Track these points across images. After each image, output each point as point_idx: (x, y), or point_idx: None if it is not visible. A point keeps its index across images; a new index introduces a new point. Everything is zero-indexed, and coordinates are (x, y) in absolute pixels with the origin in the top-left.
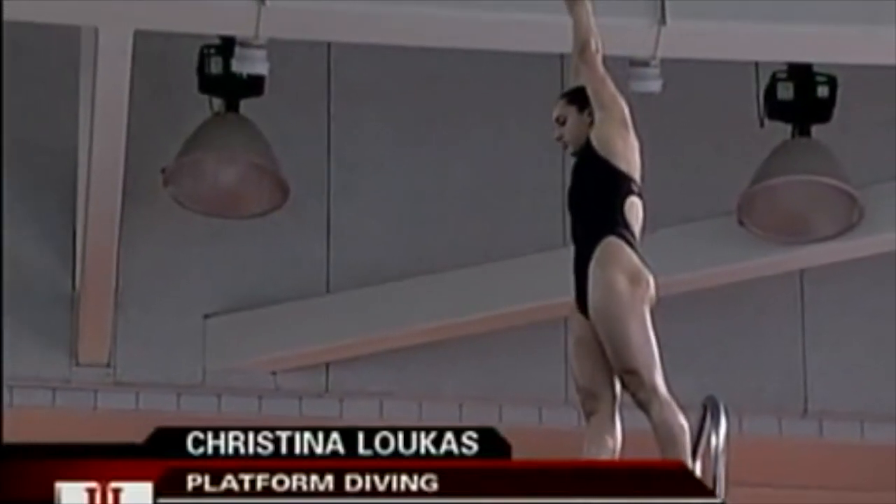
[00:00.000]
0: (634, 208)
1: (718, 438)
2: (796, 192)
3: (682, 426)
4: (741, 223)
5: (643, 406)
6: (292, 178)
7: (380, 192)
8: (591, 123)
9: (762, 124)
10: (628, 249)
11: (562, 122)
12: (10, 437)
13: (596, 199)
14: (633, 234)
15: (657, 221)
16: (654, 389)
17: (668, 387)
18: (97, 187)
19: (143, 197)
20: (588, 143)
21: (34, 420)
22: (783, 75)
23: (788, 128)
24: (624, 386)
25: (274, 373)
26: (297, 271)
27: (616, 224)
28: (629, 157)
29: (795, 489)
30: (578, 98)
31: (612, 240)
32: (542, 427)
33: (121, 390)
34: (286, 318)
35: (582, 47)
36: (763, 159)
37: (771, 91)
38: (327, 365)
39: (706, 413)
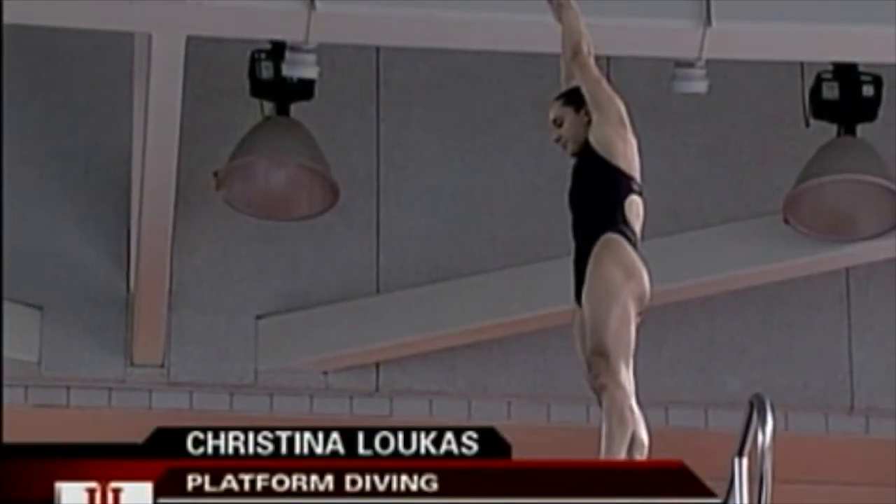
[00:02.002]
0: (635, 206)
1: (765, 436)
2: (842, 191)
3: (633, 413)
4: (787, 222)
5: (600, 390)
6: (342, 181)
7: (429, 193)
8: (589, 123)
9: (808, 124)
10: (627, 245)
11: (559, 123)
12: (70, 436)
13: (596, 198)
14: (633, 232)
15: (704, 220)
16: (615, 374)
17: (639, 401)
18: (151, 191)
19: (196, 200)
20: (587, 144)
21: (91, 419)
22: (828, 75)
23: (834, 127)
24: (589, 369)
25: (325, 372)
26: (348, 272)
27: (616, 221)
28: (628, 155)
29: (842, 486)
30: (574, 98)
31: (612, 235)
32: (589, 425)
33: (175, 390)
34: (337, 318)
35: (574, 51)
36: (809, 158)
37: (816, 91)
38: (377, 364)
39: (752, 410)
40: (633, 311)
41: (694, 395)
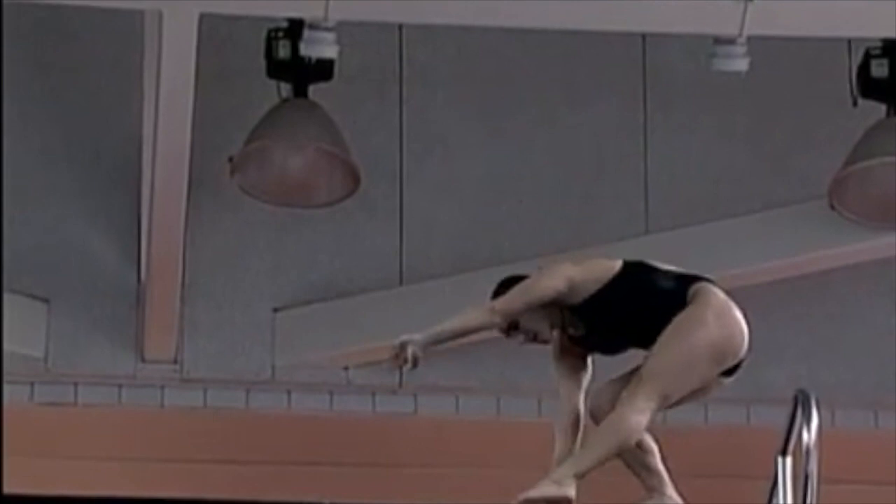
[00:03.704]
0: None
1: (810, 433)
2: (891, 175)
3: (629, 437)
4: (833, 207)
5: (617, 405)
6: (363, 165)
7: (454, 178)
8: (552, 309)
9: (855, 103)
10: (720, 293)
11: (516, 326)
12: (78, 435)
13: (643, 301)
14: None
15: (745, 207)
16: (646, 400)
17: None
18: (162, 178)
19: (210, 187)
20: (586, 300)
21: (101, 418)
22: (877, 52)
23: (883, 107)
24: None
25: (346, 368)
26: (369, 262)
27: (691, 276)
28: (600, 262)
29: (892, 486)
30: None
31: (701, 284)
32: None
33: (188, 387)
34: (358, 310)
35: (499, 315)
36: (856, 140)
37: (864, 68)
38: None
39: (797, 406)
40: (705, 360)
41: (735, 390)
